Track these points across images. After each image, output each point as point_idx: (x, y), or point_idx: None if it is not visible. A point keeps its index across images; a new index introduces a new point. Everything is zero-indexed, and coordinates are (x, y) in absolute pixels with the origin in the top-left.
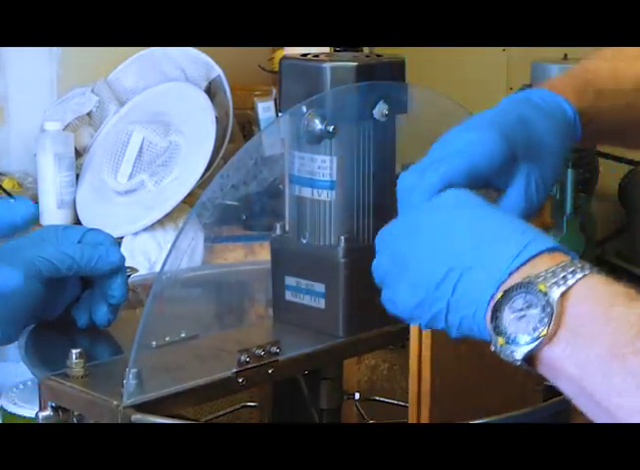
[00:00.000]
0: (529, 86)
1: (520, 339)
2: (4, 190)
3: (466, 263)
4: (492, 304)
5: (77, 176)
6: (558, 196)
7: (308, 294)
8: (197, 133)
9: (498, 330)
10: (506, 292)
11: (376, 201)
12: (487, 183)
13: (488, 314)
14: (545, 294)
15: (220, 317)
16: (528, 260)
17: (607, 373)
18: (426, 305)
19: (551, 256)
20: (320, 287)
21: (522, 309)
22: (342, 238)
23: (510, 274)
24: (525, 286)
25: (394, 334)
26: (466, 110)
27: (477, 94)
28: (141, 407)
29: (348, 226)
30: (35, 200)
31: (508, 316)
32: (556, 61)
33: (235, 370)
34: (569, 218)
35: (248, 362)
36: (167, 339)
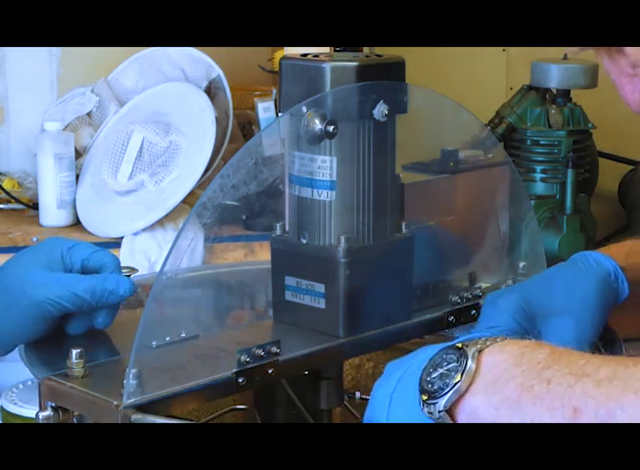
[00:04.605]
0: (529, 86)
1: (440, 391)
2: (4, 190)
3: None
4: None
5: (77, 176)
6: (558, 196)
7: (308, 294)
8: (197, 133)
9: (422, 389)
10: (432, 357)
11: (376, 201)
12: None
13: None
14: (461, 349)
15: (220, 317)
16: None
17: (518, 405)
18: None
19: (478, 338)
20: (320, 287)
21: (442, 367)
22: (342, 238)
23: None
24: (447, 348)
25: (394, 334)
26: (466, 110)
27: (477, 94)
28: (141, 407)
29: (348, 226)
30: (35, 200)
31: (431, 376)
32: (556, 61)
33: (235, 370)
34: (569, 218)
35: (248, 362)
36: (167, 339)
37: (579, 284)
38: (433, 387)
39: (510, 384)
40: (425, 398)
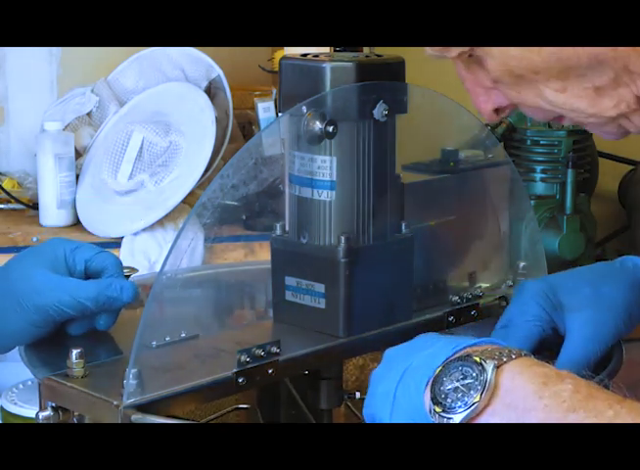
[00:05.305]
0: None
1: (455, 407)
2: (4, 190)
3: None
4: (432, 377)
5: (77, 176)
6: (558, 196)
7: (308, 294)
8: (197, 133)
9: (436, 400)
10: (445, 365)
11: (376, 201)
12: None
13: (427, 389)
14: (479, 364)
15: (220, 317)
16: (466, 348)
17: None
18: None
19: (489, 345)
20: (320, 287)
21: (458, 380)
22: (342, 238)
23: (448, 358)
24: (463, 359)
25: (394, 334)
26: (466, 110)
27: None
28: (141, 407)
29: (348, 226)
30: (35, 200)
31: (445, 387)
32: None
33: (235, 370)
34: (569, 218)
35: (248, 362)
36: (167, 339)
37: (609, 280)
38: (447, 400)
39: (531, 417)
40: (438, 410)
